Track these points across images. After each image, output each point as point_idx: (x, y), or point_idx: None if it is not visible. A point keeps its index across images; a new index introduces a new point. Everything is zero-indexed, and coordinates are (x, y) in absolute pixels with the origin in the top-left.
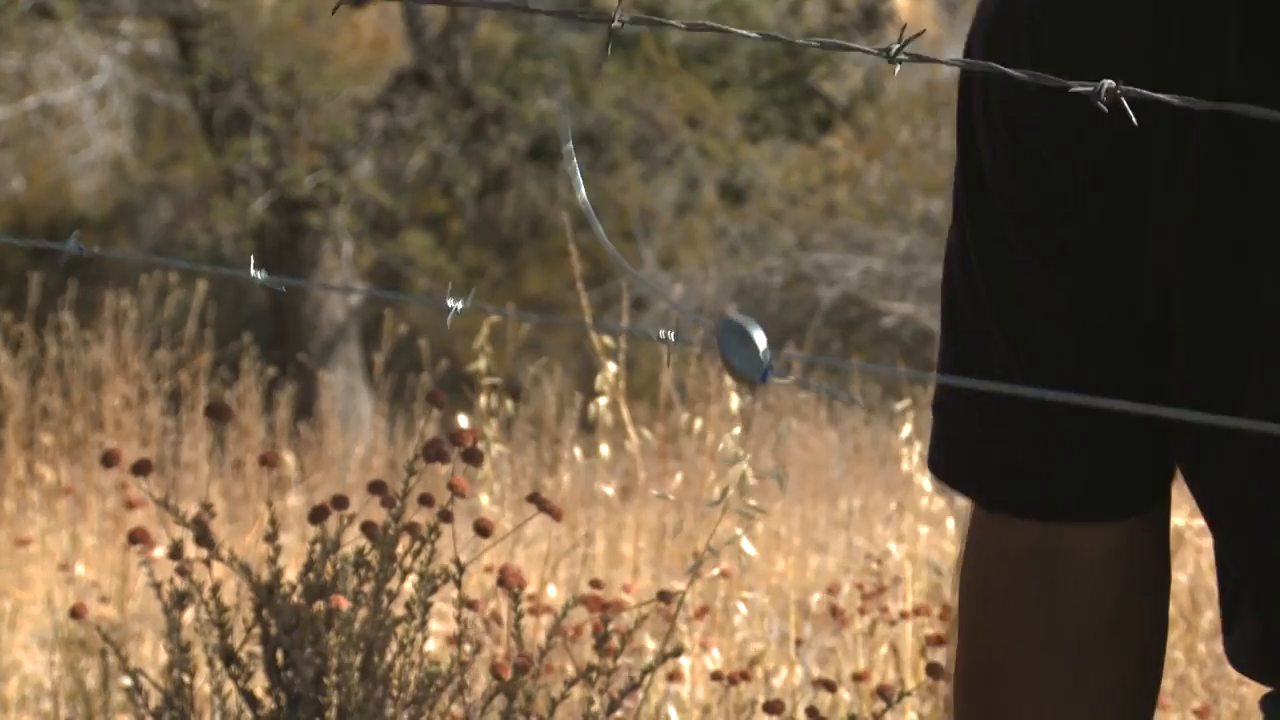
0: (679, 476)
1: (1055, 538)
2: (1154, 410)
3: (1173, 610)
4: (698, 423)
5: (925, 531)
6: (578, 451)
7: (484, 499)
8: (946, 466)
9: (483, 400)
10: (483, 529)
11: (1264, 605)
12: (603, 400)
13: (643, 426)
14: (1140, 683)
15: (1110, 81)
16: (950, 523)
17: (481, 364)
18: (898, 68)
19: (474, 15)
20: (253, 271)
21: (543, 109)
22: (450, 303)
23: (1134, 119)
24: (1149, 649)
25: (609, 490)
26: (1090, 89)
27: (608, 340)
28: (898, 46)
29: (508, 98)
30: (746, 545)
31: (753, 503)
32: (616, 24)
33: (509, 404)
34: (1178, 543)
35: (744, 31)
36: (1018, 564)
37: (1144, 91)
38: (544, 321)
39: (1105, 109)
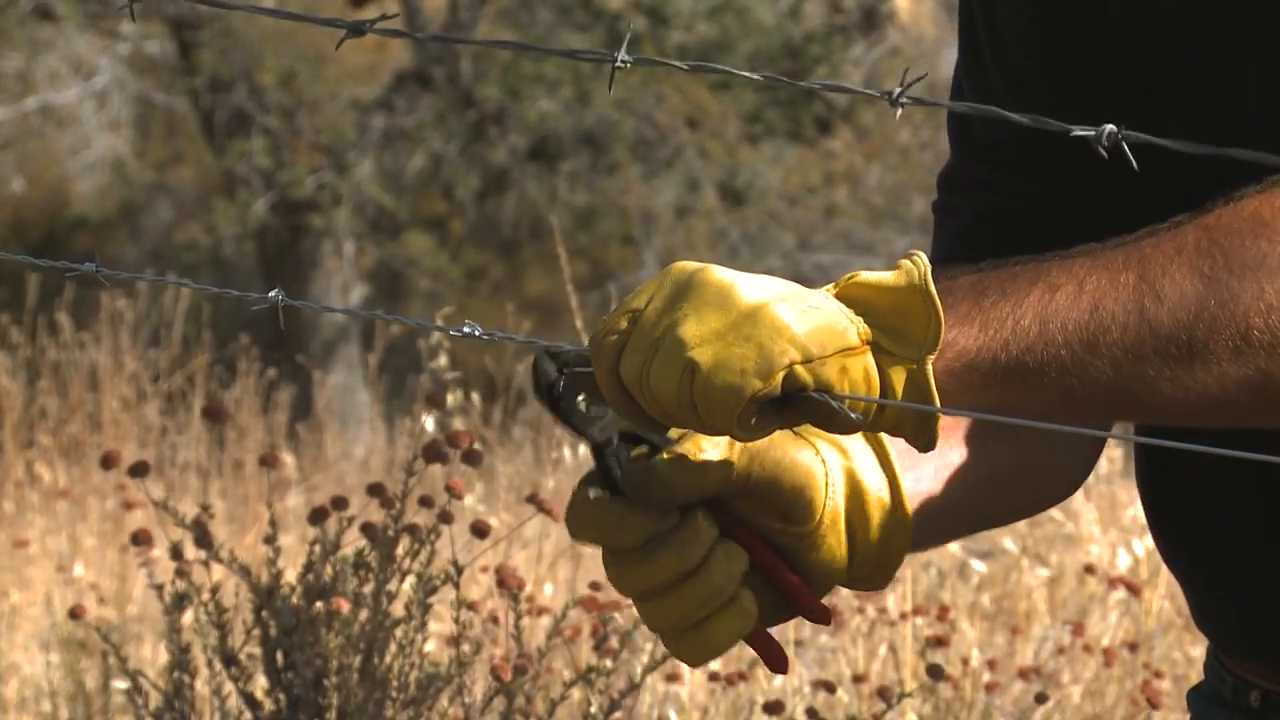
0: None
1: None
2: (1164, 445)
3: (1171, 612)
4: None
5: None
6: (567, 452)
7: (467, 499)
8: None
9: (450, 398)
10: (479, 530)
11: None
12: (579, 398)
13: None
14: None
15: (1111, 126)
16: None
17: (442, 360)
18: (898, 111)
19: (474, 16)
20: (272, 293)
21: (543, 109)
22: (467, 328)
23: (1134, 164)
24: None
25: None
26: (1092, 134)
27: None
28: (900, 90)
29: (508, 98)
30: None
31: None
32: (620, 64)
33: (476, 398)
34: None
35: (747, 73)
36: None
37: (1145, 136)
38: (537, 343)
39: (1105, 154)
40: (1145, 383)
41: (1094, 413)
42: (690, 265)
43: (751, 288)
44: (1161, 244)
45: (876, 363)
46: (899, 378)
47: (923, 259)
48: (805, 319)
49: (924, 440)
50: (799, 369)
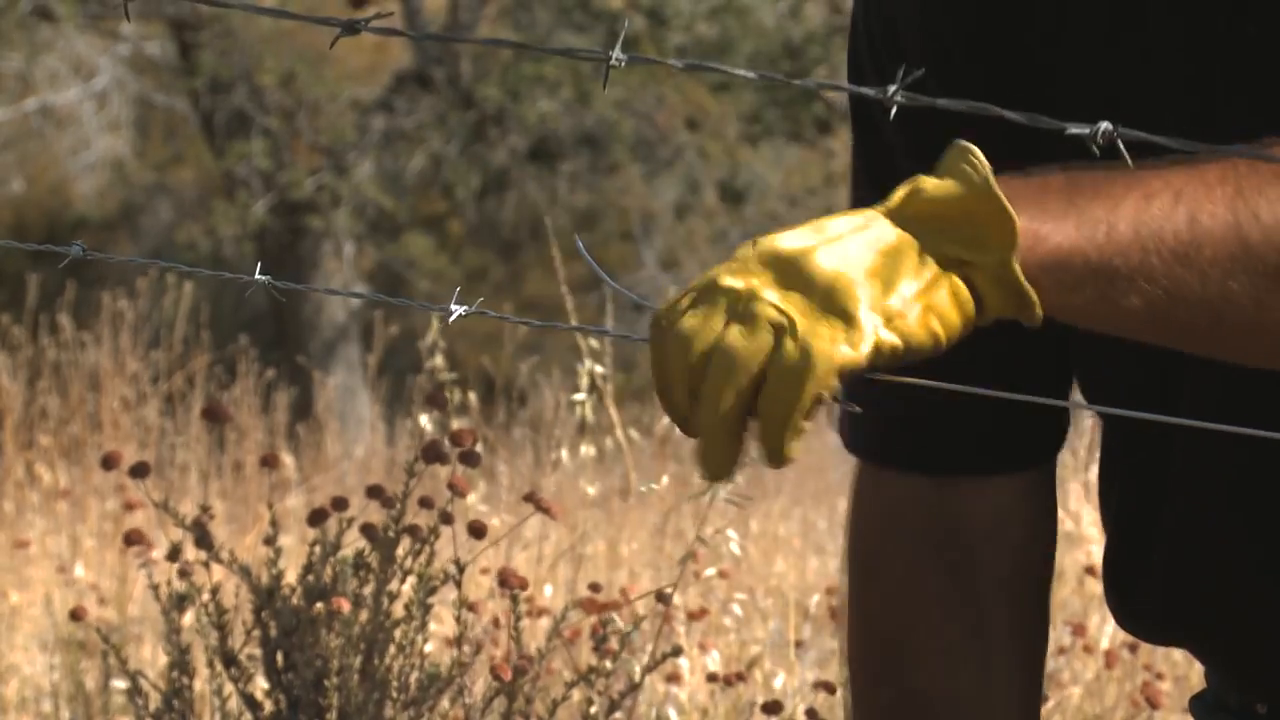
0: (665, 478)
1: (953, 496)
2: (1163, 419)
3: None
4: None
5: None
6: (564, 453)
7: (470, 498)
8: (844, 429)
9: (448, 397)
10: (477, 530)
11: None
12: (578, 396)
13: (641, 427)
14: (1036, 635)
15: (1107, 124)
16: None
17: (439, 360)
18: (893, 110)
19: (474, 17)
20: (257, 275)
21: (543, 110)
22: (453, 307)
23: (1129, 161)
24: (1042, 601)
25: (590, 490)
26: (1086, 131)
27: (593, 342)
28: (895, 88)
29: (508, 99)
30: (731, 533)
31: (737, 487)
32: (614, 62)
33: (472, 397)
34: None
35: (742, 72)
36: (917, 526)
37: (1140, 133)
38: (532, 324)
39: (1098, 152)
40: (1230, 300)
41: (1175, 328)
42: (766, 246)
43: (828, 257)
44: (1258, 163)
45: (963, 277)
46: (988, 285)
47: (978, 156)
48: (877, 282)
49: (1029, 321)
50: (881, 331)
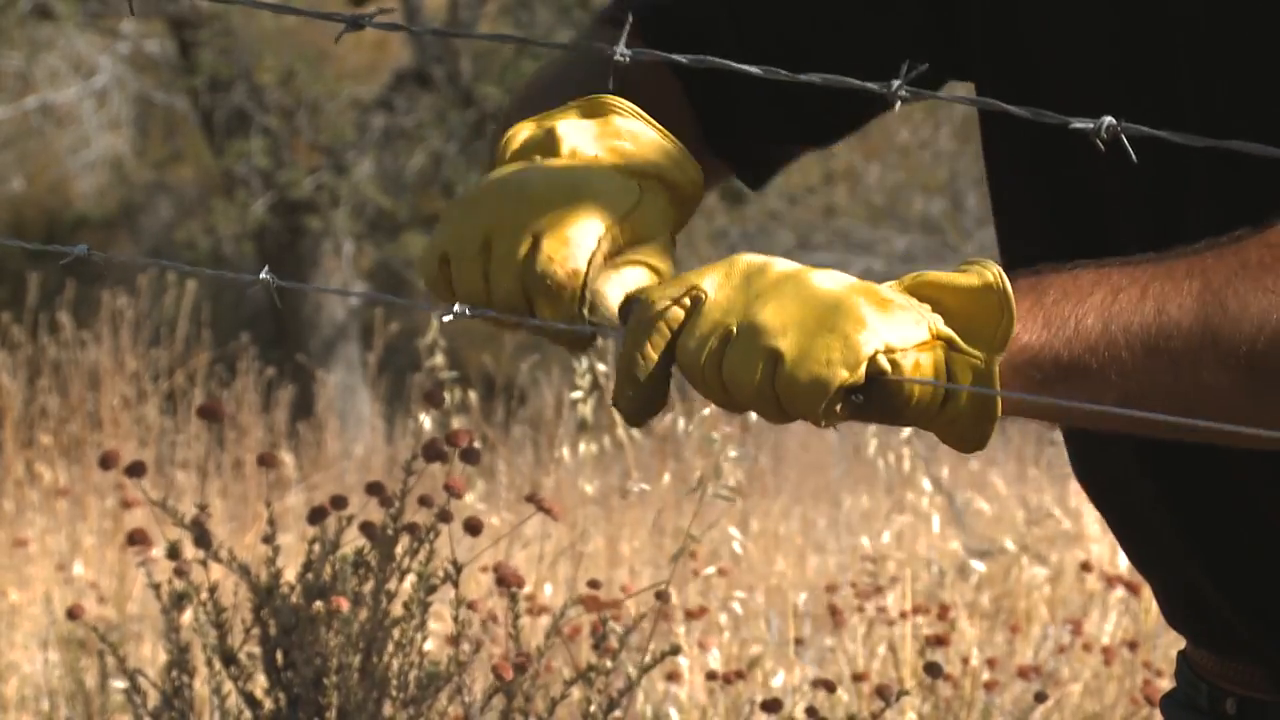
0: (667, 476)
1: None
2: (1150, 418)
3: None
4: (680, 421)
5: (924, 531)
6: (565, 451)
7: (468, 498)
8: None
9: (447, 396)
10: (475, 528)
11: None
12: (576, 395)
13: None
14: None
15: (1110, 119)
16: (936, 520)
17: (439, 358)
18: (896, 105)
19: (474, 15)
20: (262, 274)
21: None
22: (455, 307)
23: (1134, 156)
24: None
25: (589, 489)
26: (1090, 126)
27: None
28: (899, 83)
29: (508, 97)
30: (733, 531)
31: (730, 485)
32: (619, 56)
33: (473, 396)
34: None
35: (745, 67)
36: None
37: (1144, 128)
38: (528, 325)
39: (1103, 146)
40: (1203, 391)
41: (1150, 420)
42: (757, 258)
43: (826, 279)
44: (1225, 257)
45: (945, 359)
46: (965, 375)
47: (994, 265)
48: (883, 310)
49: (975, 439)
50: (880, 358)
